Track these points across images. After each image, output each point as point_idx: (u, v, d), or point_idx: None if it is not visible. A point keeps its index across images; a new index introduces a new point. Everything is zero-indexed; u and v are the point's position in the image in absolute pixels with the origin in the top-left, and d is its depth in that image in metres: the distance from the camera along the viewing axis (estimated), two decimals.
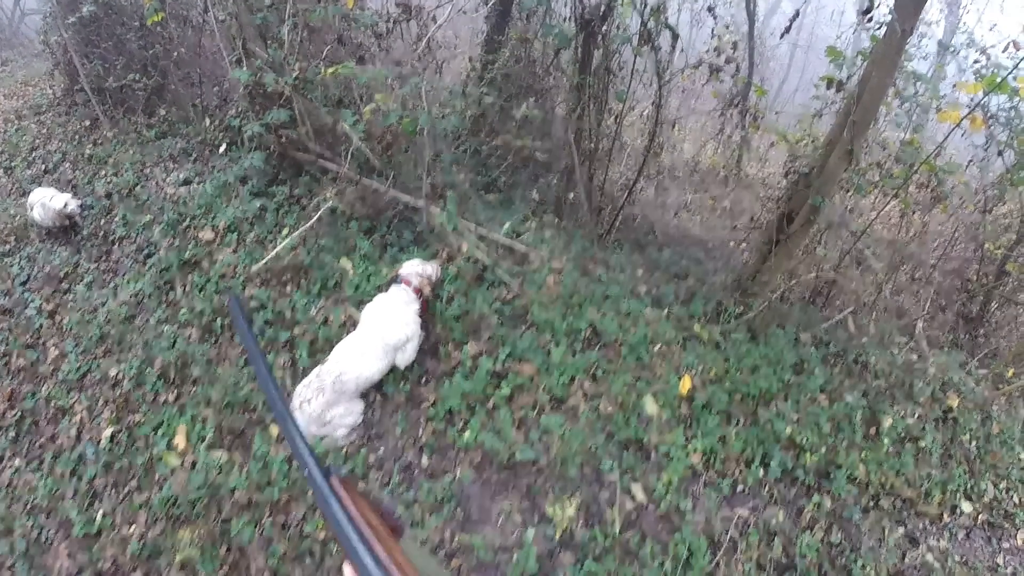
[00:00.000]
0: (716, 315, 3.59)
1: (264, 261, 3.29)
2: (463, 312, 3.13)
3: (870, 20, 3.20)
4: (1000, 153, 3.91)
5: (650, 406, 2.90)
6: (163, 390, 2.95)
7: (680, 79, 4.06)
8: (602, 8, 3.28)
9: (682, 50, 3.82)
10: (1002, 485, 3.46)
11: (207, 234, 3.65)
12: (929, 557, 2.90)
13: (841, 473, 2.98)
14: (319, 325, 3.06)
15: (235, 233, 3.66)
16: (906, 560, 2.84)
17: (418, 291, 2.87)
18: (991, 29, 3.85)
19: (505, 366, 2.94)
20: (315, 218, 3.30)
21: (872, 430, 3.33)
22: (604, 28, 3.39)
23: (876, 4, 2.95)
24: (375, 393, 2.81)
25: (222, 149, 4.03)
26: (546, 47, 3.76)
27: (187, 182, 4.19)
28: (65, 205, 3.79)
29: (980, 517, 3.26)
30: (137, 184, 4.39)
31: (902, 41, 3.03)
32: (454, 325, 3.09)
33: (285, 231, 3.43)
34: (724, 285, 3.79)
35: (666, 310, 3.49)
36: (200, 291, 3.32)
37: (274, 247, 3.36)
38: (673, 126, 4.56)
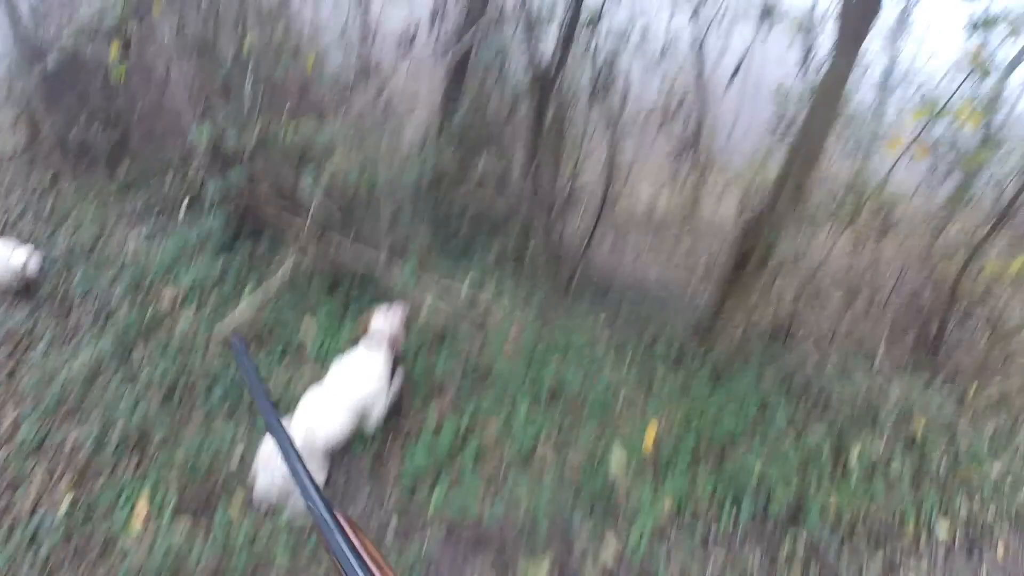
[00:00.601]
0: (679, 359, 3.63)
1: (226, 322, 3.23)
2: (427, 369, 3.10)
3: (809, 61, 3.32)
4: (946, 177, 4.05)
5: (617, 455, 2.89)
6: (125, 456, 2.85)
7: (633, 127, 4.14)
8: (555, 62, 3.35)
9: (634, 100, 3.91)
10: (976, 500, 3.52)
11: (169, 294, 3.58)
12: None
13: (814, 508, 2.99)
14: (283, 386, 3.00)
15: (197, 293, 3.59)
16: None
17: (390, 343, 2.84)
18: (930, 59, 4.03)
19: (471, 423, 2.92)
20: (278, 279, 3.27)
21: (841, 461, 3.36)
22: (558, 81, 3.45)
23: (812, 51, 3.08)
24: (341, 452, 2.74)
25: (184, 206, 3.98)
26: (503, 100, 3.81)
27: (149, 239, 4.11)
28: (25, 264, 3.68)
29: (958, 534, 3.30)
30: (98, 240, 4.31)
31: (842, 79, 3.13)
32: (418, 382, 3.07)
33: (248, 290, 3.38)
34: (685, 328, 3.84)
35: (629, 357, 3.51)
36: (162, 353, 3.24)
37: (237, 307, 3.30)
38: (628, 173, 4.65)
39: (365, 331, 2.93)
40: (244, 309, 3.24)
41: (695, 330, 3.76)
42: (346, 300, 3.52)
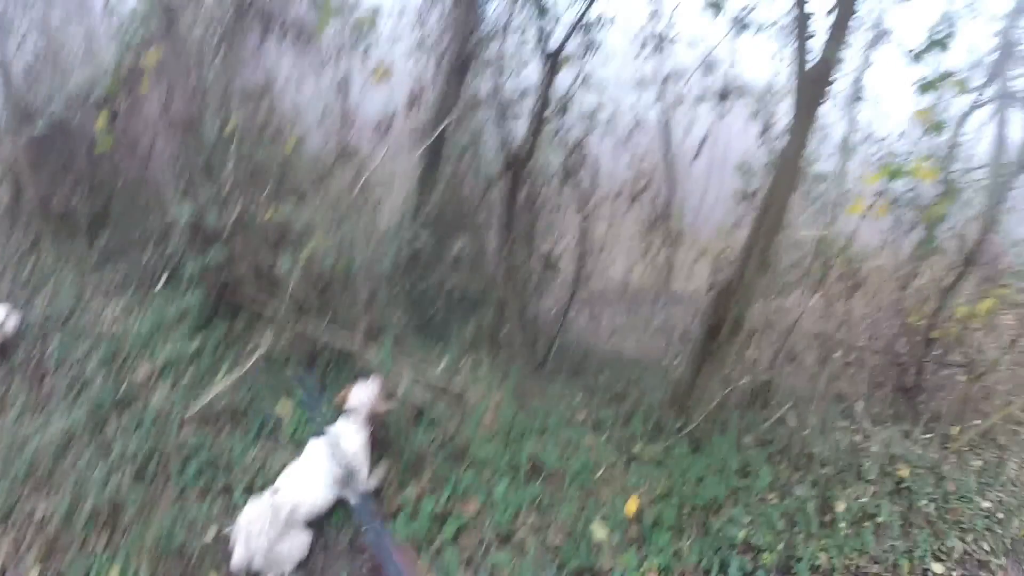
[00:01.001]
0: (657, 432, 3.70)
1: (200, 403, 3.23)
2: (405, 447, 3.12)
3: (769, 134, 3.51)
4: (908, 232, 4.21)
5: (599, 531, 2.92)
6: (95, 530, 2.80)
7: (604, 207, 4.32)
8: (527, 144, 3.51)
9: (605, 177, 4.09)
10: (969, 538, 3.54)
11: (143, 371, 3.58)
12: None
13: (802, 565, 3.01)
14: (256, 470, 2.99)
15: (173, 369, 3.60)
16: None
17: (368, 417, 2.88)
18: (886, 120, 4.28)
19: (448, 505, 2.95)
20: (251, 363, 3.29)
21: (827, 517, 3.38)
22: (529, 163, 3.60)
23: (770, 124, 3.28)
24: (318, 536, 2.73)
25: (162, 282, 4.03)
26: (477, 182, 3.95)
27: (127, 312, 4.12)
28: (3, 322, 3.66)
29: (953, 568, 3.33)
30: (76, 309, 4.31)
31: (800, 149, 3.35)
32: (397, 459, 3.09)
33: (222, 372, 3.40)
34: (662, 402, 3.92)
35: (606, 433, 3.58)
36: (136, 427, 3.23)
37: (211, 388, 3.31)
38: (601, 250, 4.80)
39: (343, 404, 2.95)
40: (220, 388, 3.25)
41: (671, 402, 3.83)
42: (323, 380, 3.55)
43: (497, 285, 3.94)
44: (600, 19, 3.80)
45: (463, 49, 3.72)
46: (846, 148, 4.08)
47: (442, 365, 3.68)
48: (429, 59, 3.87)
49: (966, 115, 5.12)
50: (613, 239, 5.09)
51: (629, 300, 5.52)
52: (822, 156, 4.03)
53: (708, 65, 3.70)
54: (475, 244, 4.04)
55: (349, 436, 2.82)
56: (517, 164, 3.68)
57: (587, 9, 3.67)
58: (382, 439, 3.08)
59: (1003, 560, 3.49)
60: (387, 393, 3.08)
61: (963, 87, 3.85)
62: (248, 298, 3.76)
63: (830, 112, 4.06)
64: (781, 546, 3.09)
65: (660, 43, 3.69)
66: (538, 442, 3.37)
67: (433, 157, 3.84)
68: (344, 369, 3.60)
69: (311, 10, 3.96)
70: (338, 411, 2.97)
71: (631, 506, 3.00)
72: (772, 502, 3.37)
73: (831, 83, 3.40)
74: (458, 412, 3.38)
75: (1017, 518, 3.90)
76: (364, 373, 3.48)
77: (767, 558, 3.01)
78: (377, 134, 3.77)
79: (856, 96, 4.23)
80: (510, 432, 3.41)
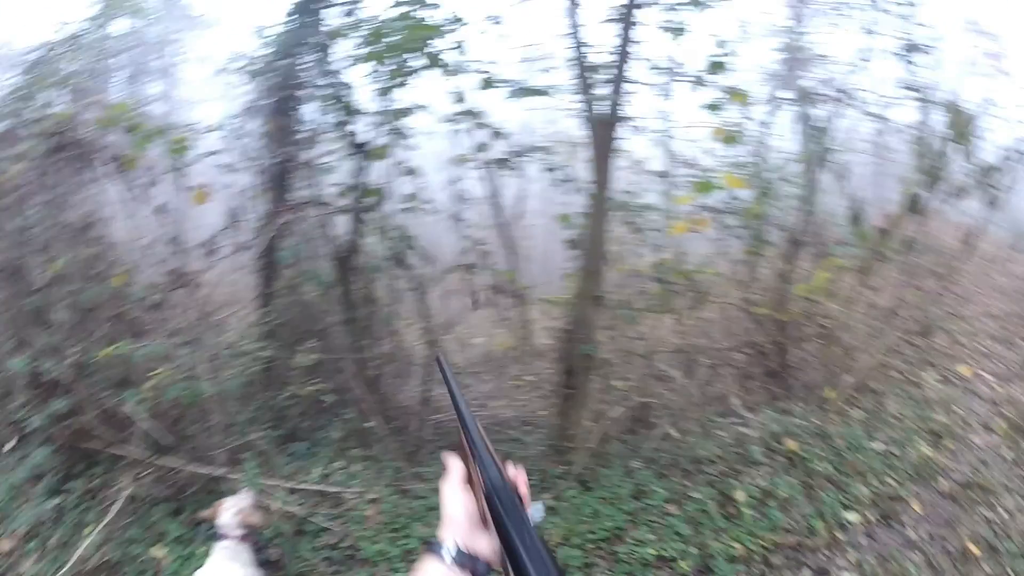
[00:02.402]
0: (542, 484, 3.95)
1: (68, 567, 3.19)
2: (291, 568, 3.20)
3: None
4: (736, 236, 4.76)
5: None
6: None
7: (445, 283, 4.59)
8: (352, 240, 3.74)
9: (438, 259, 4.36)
10: (873, 481, 3.94)
11: (5, 544, 3.49)
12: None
13: (720, 561, 3.27)
14: None
15: (37, 538, 3.53)
16: None
17: (244, 534, 2.90)
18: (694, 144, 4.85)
19: None
20: (117, 511, 3.29)
21: (731, 510, 3.68)
22: (357, 258, 3.84)
23: (569, 179, 3.70)
24: None
25: (10, 446, 3.91)
26: (314, 288, 4.12)
27: None
28: None
29: (869, 515, 3.66)
30: None
31: (603, 191, 3.84)
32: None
33: (88, 529, 3.37)
34: (541, 454, 4.14)
35: None
36: None
37: (78, 548, 3.26)
38: (453, 327, 5.08)
39: (213, 519, 2.97)
40: (88, 545, 3.22)
41: (550, 451, 4.09)
42: (194, 520, 3.58)
43: (353, 385, 4.11)
44: (408, 108, 4.11)
45: (282, 156, 3.93)
46: (665, 175, 4.56)
47: (316, 472, 3.80)
48: (250, 171, 4.04)
49: (767, 120, 5.85)
50: (464, 312, 5.39)
51: (495, 366, 5.88)
52: (643, 189, 4.51)
53: (506, 131, 4.08)
54: (325, 347, 4.23)
55: (232, 561, 2.83)
56: (346, 260, 3.97)
57: (393, 101, 3.99)
58: (269, 560, 3.14)
59: (911, 487, 3.94)
60: (260, 506, 3.15)
61: (744, 99, 4.43)
62: (103, 443, 3.77)
63: (643, 146, 4.55)
64: (694, 550, 3.34)
65: (471, 119, 4.03)
66: (425, 525, 3.55)
67: (268, 268, 4.03)
68: (214, 501, 3.63)
69: (127, 136, 4.05)
70: (210, 527, 2.97)
71: None
72: (673, 513, 3.64)
73: (622, 122, 3.86)
74: (340, 515, 3.49)
75: (911, 447, 4.43)
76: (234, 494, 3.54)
77: (683, 565, 3.25)
78: (208, 254, 3.88)
79: (665, 126, 4.74)
80: (396, 526, 3.58)
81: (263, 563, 3.04)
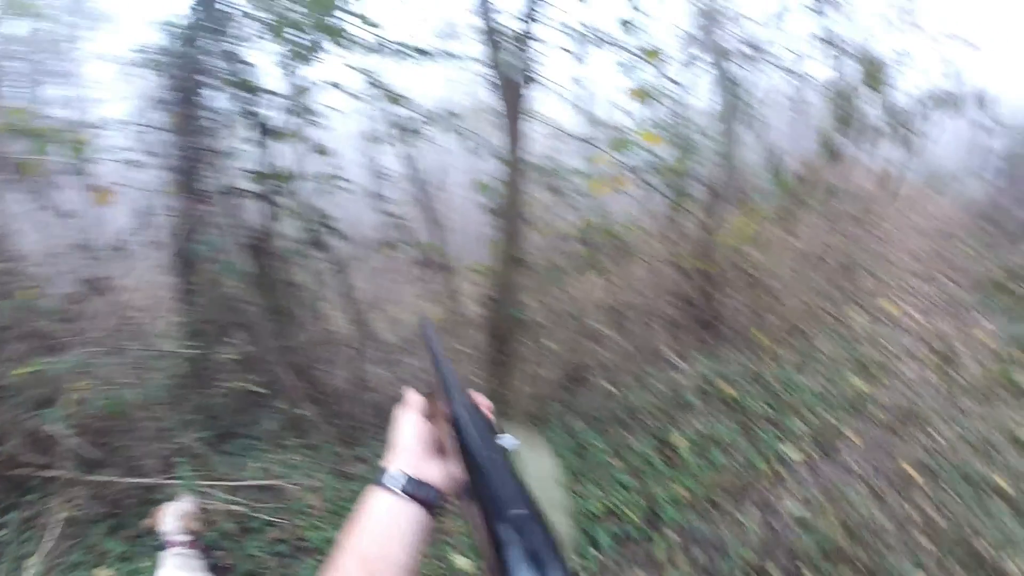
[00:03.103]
0: None
1: None
2: (240, 567, 3.29)
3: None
4: (659, 193, 4.99)
5: (460, 560, 3.24)
6: None
7: (369, 262, 4.66)
8: (266, 226, 3.77)
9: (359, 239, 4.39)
10: (809, 416, 4.22)
11: None
12: (794, 510, 3.44)
13: (666, 507, 3.45)
14: None
15: None
16: (775, 528, 3.33)
17: (190, 540, 2.90)
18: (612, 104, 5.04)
19: None
20: (56, 536, 3.27)
21: (673, 457, 3.89)
22: (273, 243, 3.87)
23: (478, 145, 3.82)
24: None
25: None
26: (233, 280, 4.10)
27: None
28: None
29: (809, 449, 3.92)
30: None
31: (516, 155, 3.94)
32: None
33: (30, 560, 3.36)
34: None
35: None
36: None
37: None
38: (382, 305, 5.14)
39: (154, 529, 2.98)
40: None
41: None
42: (135, 536, 3.56)
43: (281, 375, 4.13)
44: (314, 85, 4.11)
45: (190, 147, 3.91)
46: (583, 138, 4.71)
47: (255, 467, 3.88)
48: (157, 166, 4.00)
49: (684, 78, 6.08)
50: (391, 290, 5.45)
51: (420, 341, 5.75)
52: (563, 152, 4.66)
53: (416, 102, 4.13)
54: (251, 338, 4.24)
55: (180, 570, 2.82)
56: (261, 248, 3.97)
57: (300, 80, 4.01)
58: (217, 565, 3.18)
59: (848, 420, 4.22)
60: (200, 509, 3.18)
61: (656, 57, 4.59)
62: (33, 468, 3.72)
63: (561, 109, 4.69)
64: (640, 500, 3.48)
65: (380, 91, 4.06)
66: None
67: (184, 265, 4.01)
68: (152, 506, 3.65)
69: (25, 140, 3.96)
70: (154, 538, 2.99)
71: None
72: (616, 466, 3.80)
73: (531, 83, 3.97)
74: (284, 508, 3.56)
75: (844, 382, 4.73)
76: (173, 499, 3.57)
77: (630, 515, 3.39)
78: (120, 257, 3.85)
79: (582, 88, 4.89)
80: (341, 507, 3.65)
81: (212, 568, 3.06)
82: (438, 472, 0.82)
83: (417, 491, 0.77)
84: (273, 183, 4.00)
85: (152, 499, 3.66)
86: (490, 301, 4.12)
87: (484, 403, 0.91)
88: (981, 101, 6.39)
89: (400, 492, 0.77)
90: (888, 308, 6.51)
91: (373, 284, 5.28)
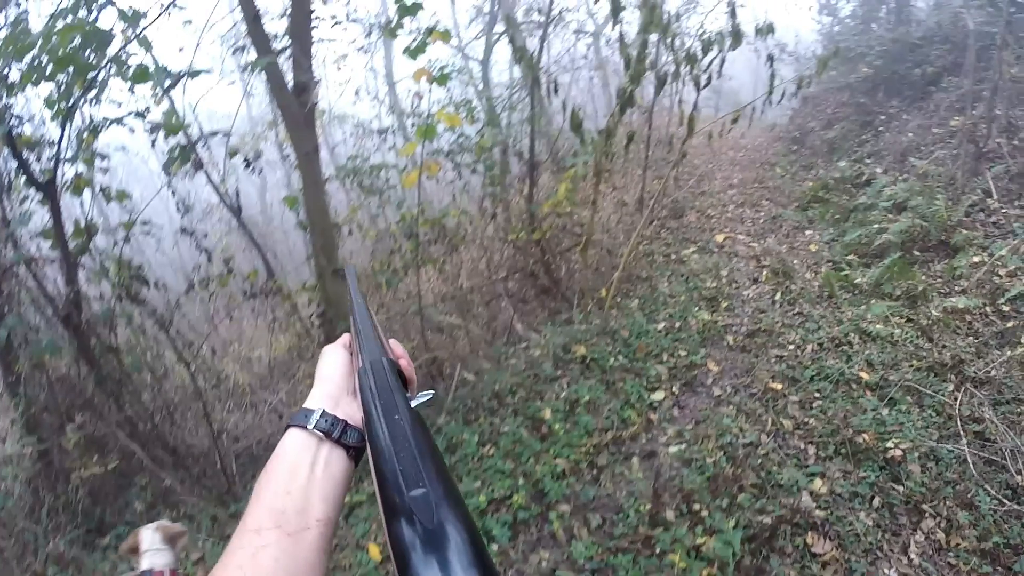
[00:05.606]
0: None
1: None
2: None
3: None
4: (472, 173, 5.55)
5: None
6: None
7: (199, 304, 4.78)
8: (71, 296, 3.78)
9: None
10: (666, 357, 4.71)
11: None
12: (672, 450, 3.79)
13: (548, 481, 3.67)
14: None
15: None
16: (660, 472, 3.61)
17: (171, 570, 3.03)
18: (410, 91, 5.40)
19: None
20: None
21: (543, 431, 4.16)
22: (85, 313, 3.92)
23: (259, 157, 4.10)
24: None
25: None
26: (58, 360, 4.11)
27: None
28: None
29: (673, 389, 4.35)
30: None
31: (314, 164, 4.20)
32: None
33: None
34: None
35: None
36: None
37: None
38: (227, 349, 5.26)
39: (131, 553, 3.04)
40: None
41: None
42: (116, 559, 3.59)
43: (134, 447, 4.18)
44: (98, 125, 4.10)
45: None
46: (384, 131, 5.16)
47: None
48: None
49: (485, 58, 6.81)
50: (233, 329, 5.55)
51: (282, 371, 6.15)
52: (368, 149, 5.09)
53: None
54: (92, 416, 4.22)
55: None
56: (72, 318, 3.95)
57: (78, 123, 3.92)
58: None
59: (702, 351, 4.71)
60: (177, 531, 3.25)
61: (446, 38, 5.04)
62: None
63: (362, 107, 5.11)
64: (521, 481, 3.67)
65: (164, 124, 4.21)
66: None
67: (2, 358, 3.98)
68: None
69: None
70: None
71: (374, 549, 3.47)
72: (490, 455, 4.00)
73: (311, 86, 4.13)
74: None
75: (691, 317, 5.26)
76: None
77: (517, 499, 3.56)
78: None
79: (375, 82, 5.34)
80: None
81: None
82: (358, 410, 0.74)
83: (332, 428, 0.71)
84: (73, 242, 3.98)
85: None
86: (322, 317, 4.36)
87: (401, 353, 0.85)
88: (766, 32, 7.25)
89: (312, 430, 0.70)
90: (719, 239, 7.29)
91: (212, 326, 5.37)
